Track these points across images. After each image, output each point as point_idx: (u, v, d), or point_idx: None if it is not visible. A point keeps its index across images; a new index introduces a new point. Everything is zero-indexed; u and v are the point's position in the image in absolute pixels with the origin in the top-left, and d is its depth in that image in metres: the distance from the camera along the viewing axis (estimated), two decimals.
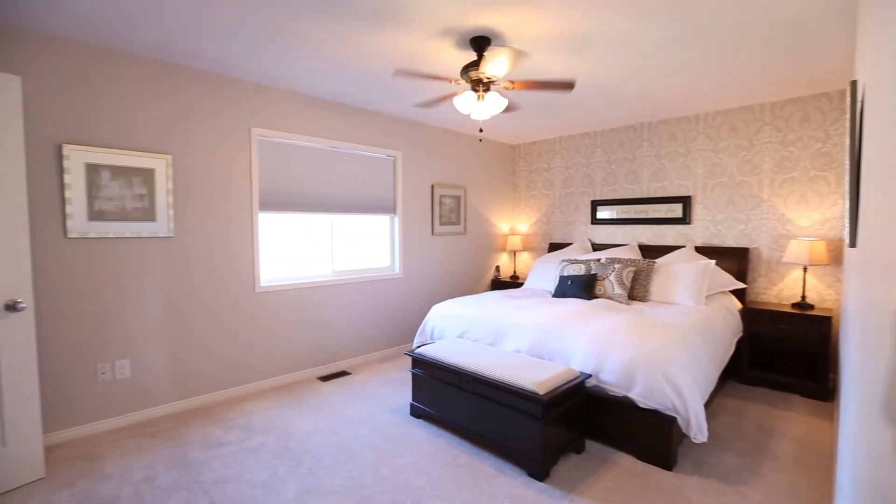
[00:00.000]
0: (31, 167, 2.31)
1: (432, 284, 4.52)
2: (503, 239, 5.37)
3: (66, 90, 2.42)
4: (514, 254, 5.36)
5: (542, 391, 2.14)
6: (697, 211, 3.97)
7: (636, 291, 3.60)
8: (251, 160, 3.13)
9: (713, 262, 3.49)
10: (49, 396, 2.41)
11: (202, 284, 2.94)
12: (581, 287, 3.60)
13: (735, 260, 3.73)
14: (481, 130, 3.12)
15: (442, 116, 4.05)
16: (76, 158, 2.44)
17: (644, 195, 4.29)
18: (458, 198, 4.72)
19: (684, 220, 4.03)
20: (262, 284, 3.24)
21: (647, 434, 2.30)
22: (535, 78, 2.98)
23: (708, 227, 3.93)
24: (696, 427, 2.17)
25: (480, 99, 2.53)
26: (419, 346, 3.14)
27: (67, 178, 2.42)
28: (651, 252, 4.12)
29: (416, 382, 2.80)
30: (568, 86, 2.59)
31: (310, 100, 3.44)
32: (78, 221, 2.47)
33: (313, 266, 3.61)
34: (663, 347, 2.36)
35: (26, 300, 2.06)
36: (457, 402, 2.53)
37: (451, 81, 2.55)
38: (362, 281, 3.87)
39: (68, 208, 2.43)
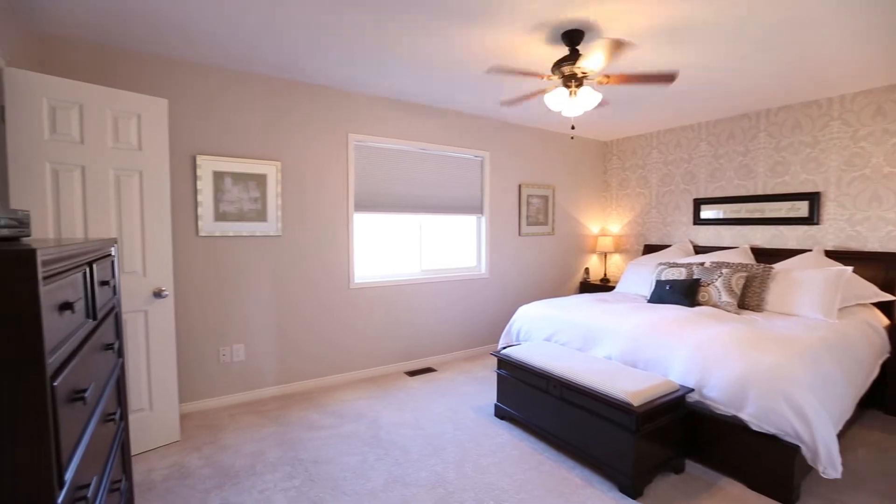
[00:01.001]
0: (173, 176, 2.70)
1: (519, 285, 4.46)
2: (593, 240, 5.12)
3: (199, 107, 2.79)
4: (605, 256, 5.09)
5: (636, 402, 2.00)
6: (829, 209, 3.44)
7: (748, 300, 3.22)
8: (348, 164, 3.34)
9: (849, 269, 2.99)
10: (180, 372, 2.79)
11: (304, 279, 3.21)
12: (681, 293, 3.30)
13: (881, 267, 3.16)
14: (573, 128, 3.02)
15: (530, 115, 3.97)
16: (206, 167, 2.80)
17: (759, 192, 3.81)
18: (545, 198, 4.61)
19: (811, 219, 3.51)
20: (356, 281, 3.45)
21: (762, 461, 2.04)
22: (633, 71, 2.80)
23: (843, 227, 3.38)
24: (827, 460, 1.87)
25: (573, 95, 2.43)
26: (505, 347, 3.11)
27: (199, 185, 2.79)
28: (767, 256, 3.65)
29: (502, 383, 2.78)
30: (669, 78, 2.39)
31: (401, 104, 3.58)
32: (207, 222, 2.83)
33: (402, 265, 3.76)
34: (784, 364, 2.08)
35: (168, 289, 2.41)
36: (543, 406, 2.46)
37: (542, 77, 2.49)
38: (449, 280, 3.94)
39: (199, 210, 2.80)
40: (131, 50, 2.58)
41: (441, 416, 2.84)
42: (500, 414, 2.80)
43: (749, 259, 3.59)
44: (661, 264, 3.74)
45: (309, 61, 2.78)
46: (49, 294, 0.75)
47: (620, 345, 2.66)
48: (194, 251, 2.82)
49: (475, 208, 4.09)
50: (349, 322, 3.43)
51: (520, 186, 4.39)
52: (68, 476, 0.78)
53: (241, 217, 2.94)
